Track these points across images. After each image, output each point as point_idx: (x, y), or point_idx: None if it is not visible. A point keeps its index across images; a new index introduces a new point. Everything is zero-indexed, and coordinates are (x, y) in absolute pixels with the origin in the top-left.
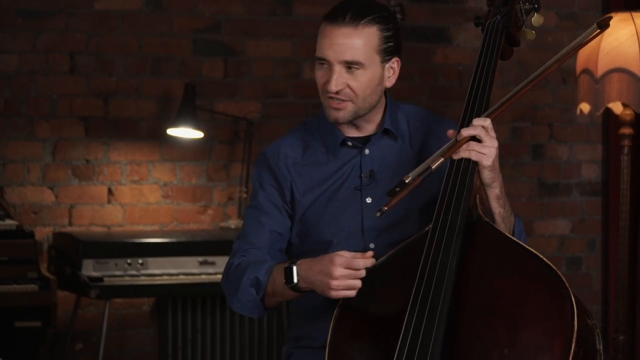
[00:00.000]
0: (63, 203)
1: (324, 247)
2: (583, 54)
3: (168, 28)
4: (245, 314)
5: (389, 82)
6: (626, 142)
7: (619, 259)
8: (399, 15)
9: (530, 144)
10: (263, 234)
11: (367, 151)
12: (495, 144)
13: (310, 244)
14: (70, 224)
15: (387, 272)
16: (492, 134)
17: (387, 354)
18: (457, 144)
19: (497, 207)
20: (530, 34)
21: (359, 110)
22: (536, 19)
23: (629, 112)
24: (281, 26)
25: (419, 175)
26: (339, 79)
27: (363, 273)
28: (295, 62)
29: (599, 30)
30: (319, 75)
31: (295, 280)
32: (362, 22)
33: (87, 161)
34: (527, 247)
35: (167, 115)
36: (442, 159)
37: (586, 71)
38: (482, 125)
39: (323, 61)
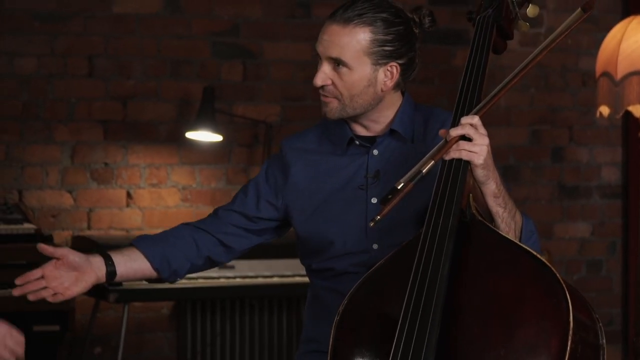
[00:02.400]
0: (82, 207)
1: (326, 247)
2: (602, 56)
3: (186, 31)
4: None
5: (385, 86)
6: None
7: (639, 262)
8: (427, 22)
9: (550, 147)
10: (231, 212)
11: (375, 152)
12: (486, 141)
13: (315, 243)
14: (89, 227)
15: (382, 277)
16: (482, 131)
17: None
18: (447, 144)
19: (495, 206)
20: (525, 26)
21: (347, 109)
22: (531, 10)
23: None
24: (300, 29)
25: (410, 180)
26: (322, 74)
27: None
28: (315, 65)
29: (583, 14)
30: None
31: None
32: (354, 22)
33: (106, 164)
34: (521, 245)
35: (186, 118)
36: (433, 161)
37: (606, 74)
38: (470, 124)
39: (318, 56)
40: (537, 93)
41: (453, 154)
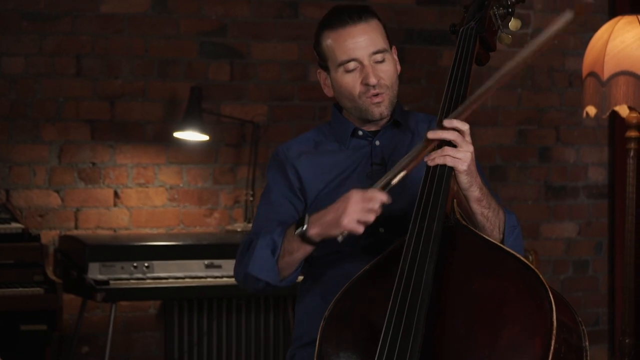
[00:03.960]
0: (69, 206)
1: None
2: (589, 56)
3: (174, 30)
4: (261, 276)
5: (398, 68)
6: (632, 145)
7: (626, 262)
8: None
9: (536, 147)
10: (272, 224)
11: (377, 142)
12: (471, 148)
13: None
14: (76, 227)
15: (368, 282)
16: (468, 138)
17: None
18: (426, 147)
19: (479, 209)
20: (507, 38)
21: (393, 100)
22: (513, 24)
23: (635, 115)
24: (288, 28)
25: (383, 188)
26: (375, 71)
27: (376, 208)
28: (302, 64)
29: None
30: (348, 80)
31: (304, 227)
32: (366, 17)
33: (93, 164)
34: (504, 248)
35: (173, 118)
36: (405, 172)
37: (592, 74)
38: (458, 129)
39: (351, 62)
40: (524, 93)
41: (438, 159)
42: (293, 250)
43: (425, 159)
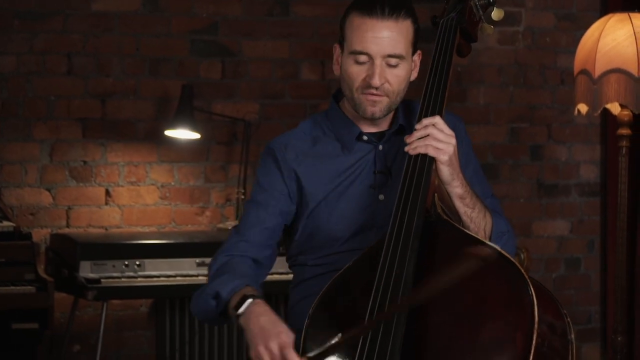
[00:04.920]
0: (60, 204)
1: (333, 244)
2: (581, 54)
3: (165, 29)
4: (198, 318)
5: (413, 75)
6: (624, 142)
7: (618, 260)
8: None
9: (528, 144)
10: (258, 229)
11: (380, 147)
12: (453, 140)
13: (320, 239)
14: (67, 225)
15: (351, 278)
16: (447, 130)
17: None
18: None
19: (463, 207)
20: (489, 29)
21: (392, 105)
22: (496, 13)
23: (626, 113)
24: (279, 27)
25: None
26: (381, 74)
27: None
28: (293, 62)
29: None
30: (354, 70)
31: (240, 312)
32: (401, 15)
33: (85, 162)
34: (485, 242)
35: (165, 116)
36: (340, 334)
37: (584, 72)
38: (432, 124)
39: (362, 55)
40: (515, 91)
41: (420, 148)
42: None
43: (406, 148)
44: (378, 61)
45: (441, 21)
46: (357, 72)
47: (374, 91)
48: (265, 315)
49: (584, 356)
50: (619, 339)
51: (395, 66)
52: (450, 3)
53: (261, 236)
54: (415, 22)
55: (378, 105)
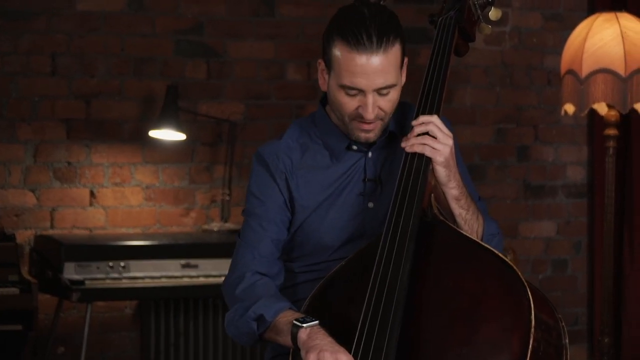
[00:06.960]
0: (45, 206)
1: (323, 253)
2: (567, 54)
3: (150, 29)
4: (238, 342)
5: (403, 80)
6: (611, 143)
7: (605, 261)
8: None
9: (515, 145)
10: (266, 243)
11: (370, 154)
12: (450, 141)
13: (309, 248)
14: (52, 226)
15: (344, 279)
16: (445, 130)
17: None
18: None
19: (458, 209)
20: (487, 29)
21: (385, 125)
22: (493, 13)
23: (613, 113)
24: (264, 27)
25: None
26: (374, 106)
27: None
28: (279, 63)
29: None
30: (345, 101)
31: (304, 325)
32: (390, 40)
33: (69, 163)
34: (482, 244)
35: (149, 117)
36: None
37: (571, 72)
38: (430, 122)
39: (352, 90)
40: (502, 91)
41: (417, 147)
42: (276, 338)
43: (403, 144)
44: (370, 95)
45: (439, 20)
46: (348, 102)
47: (367, 121)
48: (317, 335)
49: (570, 358)
50: (605, 340)
51: (387, 94)
52: (448, 1)
53: (271, 249)
54: (402, 39)
55: (372, 132)
